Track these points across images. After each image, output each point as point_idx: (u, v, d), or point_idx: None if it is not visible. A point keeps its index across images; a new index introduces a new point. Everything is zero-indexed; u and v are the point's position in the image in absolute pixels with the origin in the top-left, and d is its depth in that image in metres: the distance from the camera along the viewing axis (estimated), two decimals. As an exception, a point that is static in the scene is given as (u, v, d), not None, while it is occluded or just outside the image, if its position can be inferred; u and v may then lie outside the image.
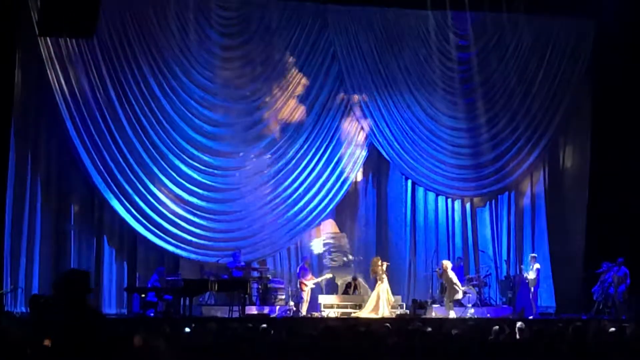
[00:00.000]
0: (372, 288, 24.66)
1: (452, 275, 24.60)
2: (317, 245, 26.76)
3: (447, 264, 24.96)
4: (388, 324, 15.79)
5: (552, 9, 26.53)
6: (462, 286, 24.93)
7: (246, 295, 23.36)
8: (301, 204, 26.23)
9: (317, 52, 26.35)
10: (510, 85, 27.31)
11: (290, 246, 26.48)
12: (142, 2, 25.06)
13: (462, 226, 27.47)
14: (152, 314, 22.83)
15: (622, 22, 26.16)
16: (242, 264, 24.90)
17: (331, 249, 26.82)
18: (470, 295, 25.33)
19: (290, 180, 26.21)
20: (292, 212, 26.17)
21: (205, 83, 25.62)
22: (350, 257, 26.77)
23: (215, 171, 25.74)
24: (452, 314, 23.97)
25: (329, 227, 26.98)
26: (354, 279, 26.01)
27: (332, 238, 26.94)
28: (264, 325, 14.33)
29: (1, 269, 23.16)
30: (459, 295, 24.57)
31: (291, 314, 24.10)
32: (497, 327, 14.88)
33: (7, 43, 23.47)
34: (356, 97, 26.47)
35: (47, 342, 8.06)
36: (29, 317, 20.57)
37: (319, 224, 26.73)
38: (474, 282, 25.94)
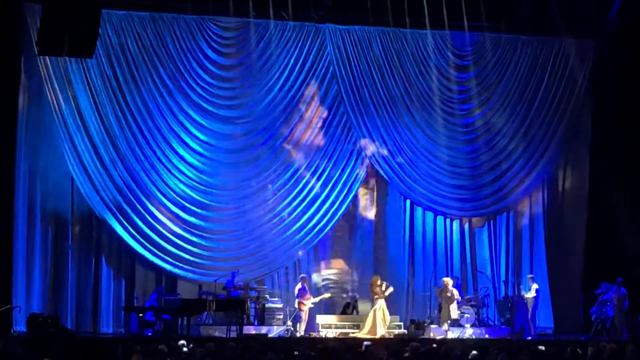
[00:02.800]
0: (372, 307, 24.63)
1: (454, 292, 24.54)
2: (317, 279, 26.73)
3: (449, 280, 24.93)
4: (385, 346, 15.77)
5: (552, 29, 26.62)
6: (460, 306, 24.93)
7: (244, 315, 23.33)
8: (299, 223, 26.22)
9: (316, 72, 26.38)
10: (509, 105, 27.34)
11: (288, 266, 26.44)
12: (141, 22, 25.12)
13: (461, 246, 27.43)
14: (150, 334, 22.79)
15: (622, 42, 26.23)
16: (240, 283, 24.88)
17: (330, 285, 26.76)
18: (469, 315, 25.30)
19: (288, 199, 26.22)
20: (290, 231, 26.16)
21: (203, 102, 25.65)
22: (344, 295, 26.64)
23: (214, 190, 25.75)
24: (450, 334, 23.94)
25: (335, 264, 26.95)
26: (355, 300, 25.97)
27: (335, 275, 26.88)
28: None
29: (2, 288, 23.14)
30: (453, 316, 24.48)
31: (289, 333, 24.05)
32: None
33: (10, 63, 23.66)
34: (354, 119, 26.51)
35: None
36: (27, 336, 20.56)
37: (325, 257, 26.81)
38: (472, 303, 25.91)
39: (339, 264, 26.95)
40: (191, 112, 25.54)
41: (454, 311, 24.48)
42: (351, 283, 26.81)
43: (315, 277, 26.52)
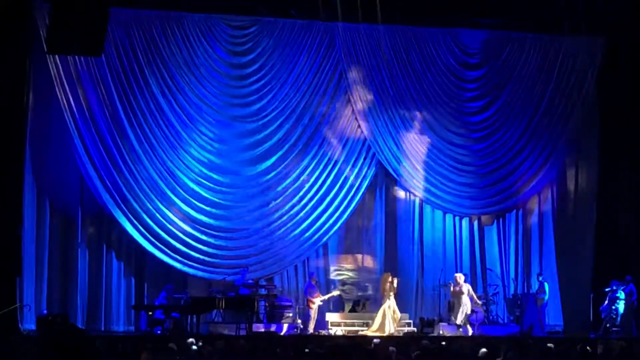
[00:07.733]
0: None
1: (468, 287, 24.53)
2: (334, 273, 26.75)
3: (461, 276, 24.91)
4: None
5: (561, 26, 26.56)
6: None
7: (253, 313, 23.35)
8: (309, 221, 26.22)
9: (325, 70, 26.35)
10: (518, 103, 27.27)
11: (297, 264, 26.46)
12: (150, 20, 25.14)
13: (470, 244, 27.39)
14: (159, 332, 22.82)
15: (631, 40, 26.18)
16: (250, 281, 24.91)
17: (347, 281, 26.78)
18: (478, 313, 25.28)
19: (297, 197, 26.22)
20: (299, 229, 26.16)
21: (212, 101, 25.68)
22: (354, 293, 26.64)
23: (223, 189, 25.77)
24: (470, 330, 23.94)
25: (344, 262, 26.95)
26: (365, 297, 25.96)
27: (344, 273, 26.89)
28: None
29: (12, 286, 23.17)
30: (468, 311, 24.46)
31: (298, 331, 24.07)
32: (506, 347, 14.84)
33: (19, 62, 23.71)
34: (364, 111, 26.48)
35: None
36: (36, 334, 20.61)
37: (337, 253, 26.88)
38: (482, 300, 25.89)
39: (348, 262, 26.96)
40: (200, 110, 25.56)
41: (466, 306, 24.40)
42: (360, 281, 26.81)
43: (324, 275, 26.51)
